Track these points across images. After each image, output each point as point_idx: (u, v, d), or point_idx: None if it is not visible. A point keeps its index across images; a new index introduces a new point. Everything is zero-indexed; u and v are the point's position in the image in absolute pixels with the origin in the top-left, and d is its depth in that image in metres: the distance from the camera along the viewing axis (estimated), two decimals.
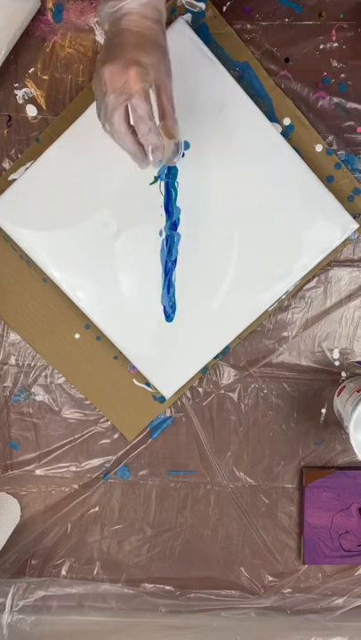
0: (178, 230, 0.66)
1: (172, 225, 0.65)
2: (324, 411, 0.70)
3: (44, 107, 0.67)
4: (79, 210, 0.65)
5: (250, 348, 0.70)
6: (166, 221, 0.65)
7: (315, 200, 0.65)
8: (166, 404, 0.70)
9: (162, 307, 0.67)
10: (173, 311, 0.67)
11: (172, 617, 0.70)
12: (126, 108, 0.47)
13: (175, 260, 0.66)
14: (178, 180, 0.65)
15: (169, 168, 0.64)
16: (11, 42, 0.64)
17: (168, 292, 0.66)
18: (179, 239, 0.66)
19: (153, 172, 0.65)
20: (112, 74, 0.46)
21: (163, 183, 0.65)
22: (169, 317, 0.67)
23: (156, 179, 0.65)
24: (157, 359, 0.67)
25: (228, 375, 0.70)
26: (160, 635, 0.68)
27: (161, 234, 0.66)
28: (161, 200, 0.65)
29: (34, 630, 0.69)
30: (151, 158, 0.50)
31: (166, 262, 0.66)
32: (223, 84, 0.63)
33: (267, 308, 0.67)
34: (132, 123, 0.47)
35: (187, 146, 0.64)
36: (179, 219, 0.65)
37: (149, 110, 0.47)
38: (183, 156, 0.64)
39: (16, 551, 0.72)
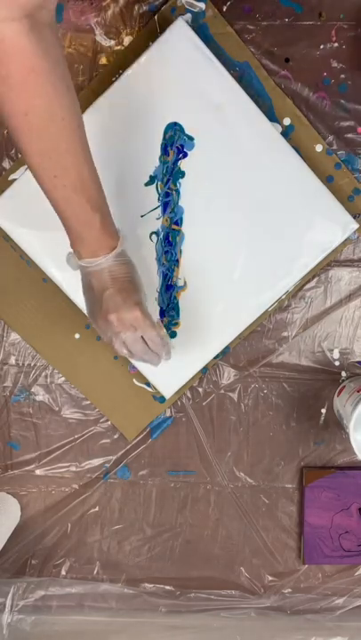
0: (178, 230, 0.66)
1: (174, 224, 0.66)
2: (324, 411, 0.70)
3: None
4: None
5: (250, 348, 0.70)
6: (166, 221, 0.65)
7: (315, 200, 0.65)
8: (166, 404, 0.70)
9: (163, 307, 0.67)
10: (177, 313, 0.67)
11: (172, 617, 0.70)
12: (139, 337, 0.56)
13: (177, 260, 0.66)
14: (180, 180, 0.65)
15: (170, 169, 0.64)
16: None
17: (167, 291, 0.66)
18: (182, 239, 0.66)
19: (150, 172, 0.65)
20: (121, 319, 0.54)
21: (160, 184, 0.65)
22: (172, 320, 0.67)
23: (152, 178, 0.65)
24: None
25: (228, 375, 0.70)
26: (160, 635, 0.68)
27: (159, 234, 0.66)
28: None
29: (34, 630, 0.69)
30: (169, 358, 0.61)
31: (164, 264, 0.66)
32: (223, 83, 0.63)
33: (267, 308, 0.67)
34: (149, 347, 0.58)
35: (190, 146, 0.64)
36: (181, 218, 0.65)
37: (160, 334, 0.57)
38: (186, 156, 0.64)
39: (16, 551, 0.72)
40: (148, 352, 0.58)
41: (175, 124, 0.64)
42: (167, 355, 0.60)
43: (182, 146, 0.64)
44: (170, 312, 0.67)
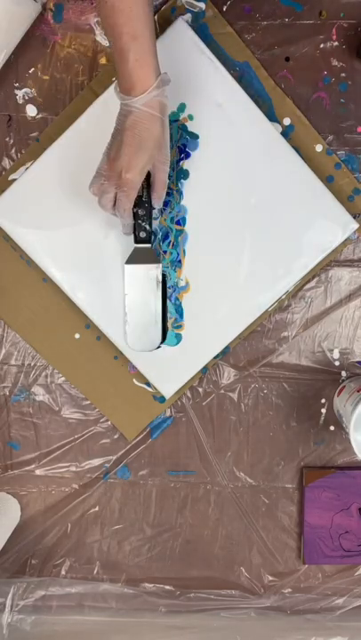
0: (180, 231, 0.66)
1: (177, 224, 0.65)
2: (324, 411, 0.70)
3: (43, 107, 0.67)
4: (79, 209, 0.65)
5: (250, 348, 0.70)
6: (164, 221, 0.65)
7: (315, 200, 0.65)
8: (166, 404, 0.70)
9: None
10: (180, 315, 0.67)
11: (172, 617, 0.70)
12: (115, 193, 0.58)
13: (180, 261, 0.66)
14: (182, 180, 0.65)
15: (174, 168, 0.64)
16: (12, 44, 0.64)
17: (170, 300, 0.66)
18: (185, 239, 0.66)
19: None
20: (111, 168, 0.55)
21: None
22: (177, 321, 0.67)
23: None
24: (157, 359, 0.67)
25: (228, 375, 0.70)
26: (160, 635, 0.68)
27: (157, 234, 0.65)
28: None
29: (34, 630, 0.69)
30: (122, 230, 0.63)
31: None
32: (223, 84, 0.63)
33: (267, 308, 0.67)
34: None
35: (194, 146, 0.64)
36: (184, 218, 0.65)
37: (129, 205, 0.58)
38: (189, 157, 0.64)
39: (16, 551, 0.72)
40: (111, 212, 0.59)
41: (176, 121, 0.64)
42: (125, 227, 0.62)
43: (185, 145, 0.64)
44: (169, 313, 0.67)
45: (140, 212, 0.62)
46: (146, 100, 0.53)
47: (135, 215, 0.62)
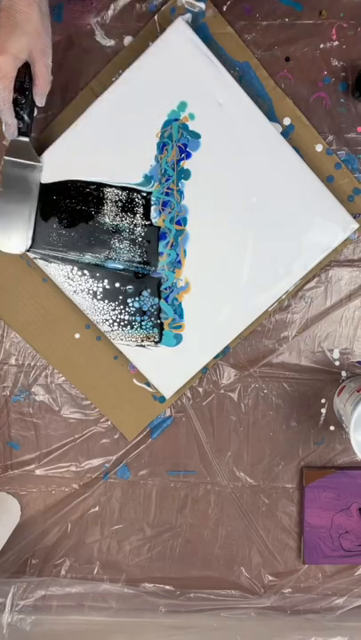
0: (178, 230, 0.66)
1: (177, 224, 0.65)
2: (324, 411, 0.70)
3: (43, 107, 0.67)
4: (79, 209, 0.65)
5: (250, 348, 0.70)
6: (162, 222, 0.65)
7: (315, 200, 0.65)
8: (166, 404, 0.70)
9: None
10: (180, 315, 0.66)
11: (172, 617, 0.70)
12: None
13: (180, 262, 0.66)
14: (183, 180, 0.65)
15: (177, 168, 0.64)
16: None
17: (167, 301, 0.66)
18: (185, 240, 0.65)
19: (146, 171, 0.64)
20: None
21: (157, 184, 0.64)
22: (174, 321, 0.67)
23: (147, 178, 0.64)
24: (157, 359, 0.67)
25: (228, 375, 0.70)
26: (160, 635, 0.68)
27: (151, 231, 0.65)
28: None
29: (34, 630, 0.69)
30: (5, 132, 0.60)
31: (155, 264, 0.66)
32: (223, 83, 0.63)
33: (267, 307, 0.67)
34: None
35: (195, 145, 0.64)
36: (185, 218, 0.65)
37: (7, 95, 0.56)
38: (190, 157, 0.64)
39: (16, 551, 0.72)
40: None
41: (176, 120, 0.64)
42: (7, 128, 0.58)
43: (185, 145, 0.64)
44: (163, 314, 0.67)
45: (20, 98, 0.57)
46: None
47: (13, 101, 0.57)
